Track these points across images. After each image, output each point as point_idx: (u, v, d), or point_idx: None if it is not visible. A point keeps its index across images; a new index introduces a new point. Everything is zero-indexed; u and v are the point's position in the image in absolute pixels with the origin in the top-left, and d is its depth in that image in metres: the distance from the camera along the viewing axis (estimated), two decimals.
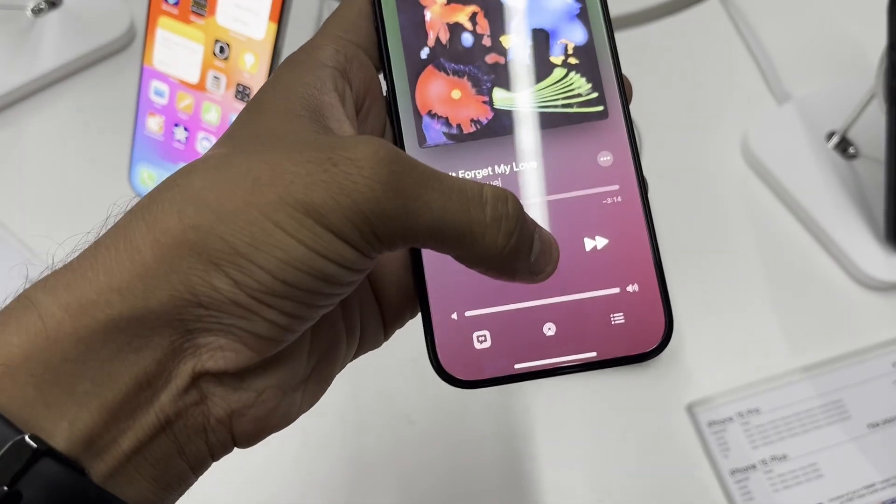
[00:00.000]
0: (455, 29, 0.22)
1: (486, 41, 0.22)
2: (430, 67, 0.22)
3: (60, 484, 0.18)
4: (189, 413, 0.21)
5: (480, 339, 0.24)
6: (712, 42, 0.66)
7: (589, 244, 0.24)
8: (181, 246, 0.20)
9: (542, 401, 0.51)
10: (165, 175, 0.51)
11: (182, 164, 0.48)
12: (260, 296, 0.20)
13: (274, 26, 0.45)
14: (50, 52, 0.61)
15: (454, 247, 0.21)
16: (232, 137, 0.23)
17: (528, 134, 0.23)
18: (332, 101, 0.23)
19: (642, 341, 0.24)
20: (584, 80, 0.23)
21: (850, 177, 0.58)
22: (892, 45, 0.49)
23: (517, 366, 0.24)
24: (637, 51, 0.65)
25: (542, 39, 0.22)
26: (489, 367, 0.24)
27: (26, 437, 0.18)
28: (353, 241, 0.20)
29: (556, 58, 0.22)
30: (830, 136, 0.59)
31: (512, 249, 0.21)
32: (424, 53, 0.22)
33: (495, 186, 0.21)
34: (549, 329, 0.24)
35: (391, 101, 0.23)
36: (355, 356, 0.26)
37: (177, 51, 0.47)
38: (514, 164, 0.24)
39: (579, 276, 0.24)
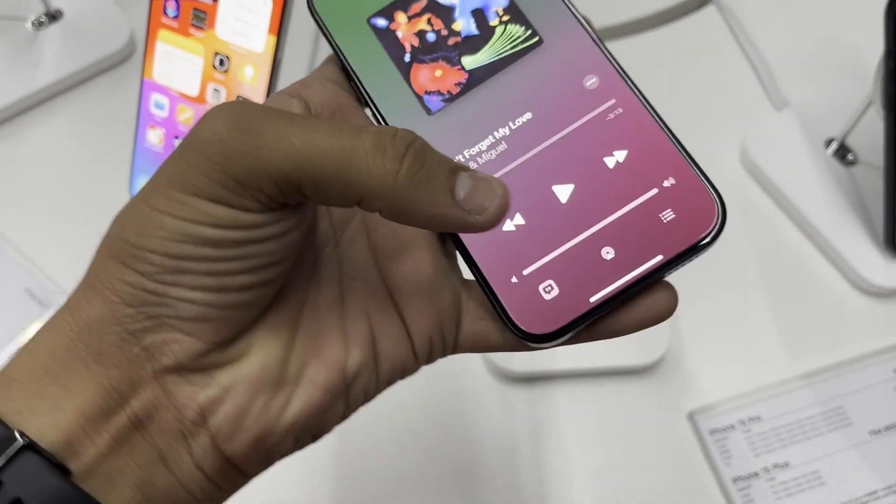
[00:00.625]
0: (420, 34, 0.28)
1: (444, 31, 0.28)
2: (415, 64, 0.28)
3: (43, 479, 0.20)
4: (160, 414, 0.22)
5: (547, 289, 0.25)
6: (710, 50, 0.66)
7: (610, 162, 0.26)
8: (102, 255, 0.22)
9: (543, 410, 0.51)
10: None
11: None
12: (160, 277, 0.21)
13: (273, 39, 0.45)
14: (50, 64, 0.61)
15: (338, 182, 0.20)
16: None
17: (501, 75, 0.27)
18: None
19: (700, 226, 0.24)
20: (519, 27, 0.28)
21: (848, 183, 0.58)
22: (890, 52, 0.49)
23: (593, 299, 0.24)
24: (635, 59, 0.65)
25: (480, 15, 0.28)
26: (567, 312, 0.24)
27: (15, 433, 0.20)
28: (216, 195, 0.20)
29: (493, 21, 0.28)
30: (829, 142, 0.59)
31: (407, 175, 0.20)
32: (407, 58, 0.28)
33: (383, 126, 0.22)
34: (608, 253, 0.25)
35: (371, 102, 0.27)
36: (388, 375, 0.25)
37: (177, 63, 0.47)
38: (506, 104, 0.27)
39: (615, 193, 0.25)
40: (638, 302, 0.24)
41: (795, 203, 0.57)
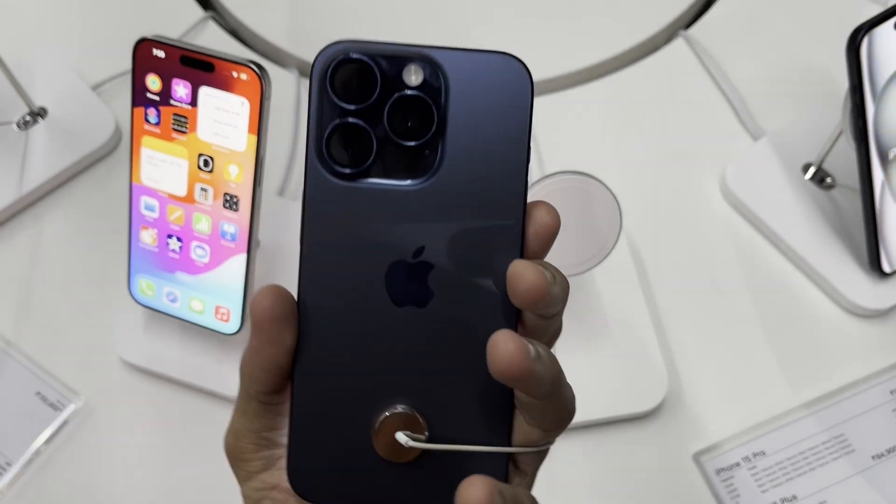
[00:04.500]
0: None
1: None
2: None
3: None
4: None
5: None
6: (683, 84, 0.67)
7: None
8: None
9: (548, 464, 0.52)
10: (165, 285, 0.52)
11: (179, 274, 0.50)
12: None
13: (254, 138, 0.46)
14: (41, 163, 0.62)
15: None
16: None
17: None
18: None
19: None
20: None
21: (829, 207, 0.59)
22: (854, 87, 0.50)
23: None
24: (611, 100, 0.67)
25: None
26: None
27: None
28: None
29: None
30: (807, 167, 0.60)
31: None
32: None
33: None
34: None
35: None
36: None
37: (162, 167, 0.49)
38: None
39: None
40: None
41: (779, 233, 0.59)
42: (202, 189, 0.48)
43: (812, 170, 0.60)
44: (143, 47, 0.46)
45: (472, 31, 0.70)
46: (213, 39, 0.71)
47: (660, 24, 0.70)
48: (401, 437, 0.26)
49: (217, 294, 0.51)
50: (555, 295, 0.25)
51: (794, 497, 0.50)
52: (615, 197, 0.47)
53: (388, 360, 0.27)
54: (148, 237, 0.51)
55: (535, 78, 0.26)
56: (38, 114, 0.64)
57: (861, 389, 0.54)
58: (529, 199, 0.26)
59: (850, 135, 0.52)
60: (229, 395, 0.54)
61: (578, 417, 0.53)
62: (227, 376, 0.54)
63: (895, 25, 0.50)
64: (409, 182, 0.26)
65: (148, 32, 0.70)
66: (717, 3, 0.71)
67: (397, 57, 0.26)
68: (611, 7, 0.71)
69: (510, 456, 0.28)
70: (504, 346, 0.24)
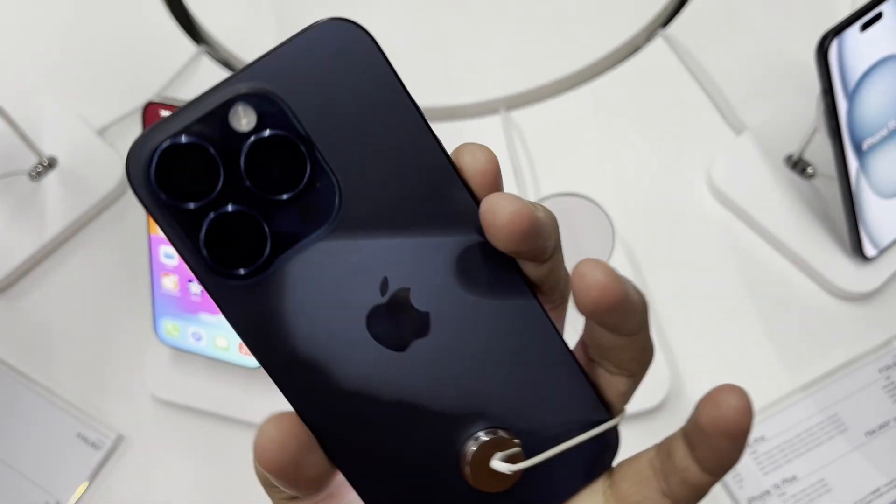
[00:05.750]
0: None
1: None
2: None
3: None
4: None
5: None
6: (665, 83, 0.69)
7: None
8: None
9: None
10: (189, 326, 0.55)
11: (202, 315, 0.53)
12: None
13: None
14: (56, 212, 0.65)
15: None
16: None
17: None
18: None
19: None
20: None
21: (812, 196, 0.62)
22: (825, 90, 0.53)
23: None
24: (597, 105, 0.69)
25: None
26: None
27: None
28: None
29: None
30: (789, 158, 0.63)
31: None
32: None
33: None
34: None
35: None
36: None
37: None
38: None
39: None
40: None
41: (765, 224, 0.61)
42: None
43: (794, 160, 0.63)
44: (151, 109, 0.49)
45: (445, 48, 0.73)
46: (208, 73, 0.73)
47: (638, 25, 0.72)
48: (498, 464, 0.23)
49: None
50: (542, 220, 0.21)
51: (794, 477, 0.54)
52: (607, 214, 0.50)
53: (436, 404, 0.23)
54: (170, 283, 0.54)
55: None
56: (49, 164, 0.66)
57: (852, 370, 0.57)
58: None
59: (824, 133, 0.55)
60: (258, 422, 0.57)
61: None
62: (253, 405, 0.57)
63: (861, 28, 0.52)
64: (321, 228, 0.22)
65: (144, 71, 0.73)
66: None
67: (213, 110, 0.21)
68: (586, 12, 0.73)
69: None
70: (592, 276, 0.20)
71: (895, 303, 0.60)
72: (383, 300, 0.22)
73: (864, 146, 0.56)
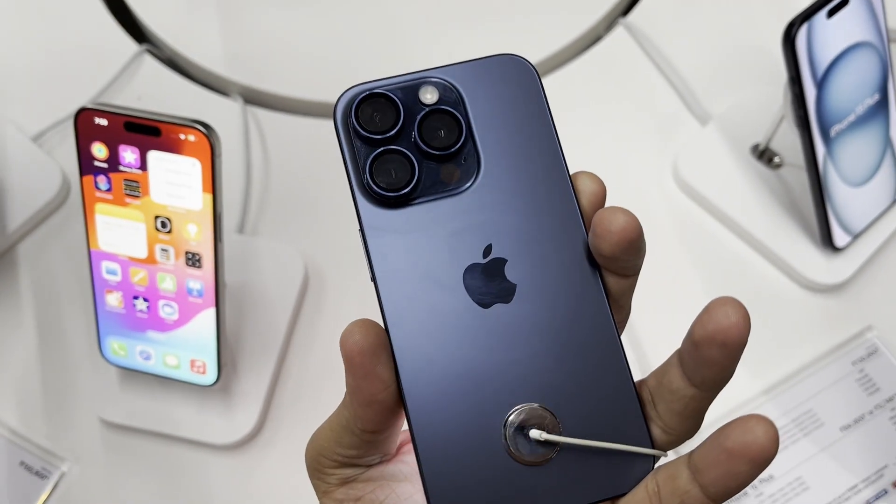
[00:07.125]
0: None
1: None
2: None
3: None
4: None
5: None
6: (628, 73, 0.68)
7: None
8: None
9: None
10: (137, 344, 0.52)
11: (150, 332, 0.50)
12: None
13: (209, 196, 0.46)
14: None
15: None
16: None
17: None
18: None
19: None
20: None
21: (779, 186, 0.61)
22: (793, 79, 0.51)
23: None
24: (560, 95, 0.67)
25: None
26: None
27: None
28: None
29: None
30: (755, 148, 0.62)
31: None
32: None
33: None
34: None
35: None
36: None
37: (119, 232, 0.48)
38: None
39: None
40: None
41: (732, 215, 0.60)
42: (163, 249, 0.48)
43: (760, 150, 0.61)
44: (84, 117, 0.46)
45: (402, 40, 0.70)
46: (151, 73, 0.69)
47: (598, 14, 0.70)
48: (536, 432, 0.26)
49: (190, 348, 0.51)
50: (644, 239, 0.25)
51: (771, 477, 0.53)
52: None
53: (497, 364, 0.26)
54: (114, 300, 0.51)
55: None
56: None
57: (825, 364, 0.56)
58: None
59: (791, 121, 0.53)
60: (214, 442, 0.54)
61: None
62: (208, 425, 0.54)
63: (827, 14, 0.51)
64: (457, 189, 0.27)
65: (83, 72, 0.69)
66: None
67: (409, 84, 0.28)
68: (545, 1, 0.71)
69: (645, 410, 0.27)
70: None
71: (865, 294, 0.59)
72: (483, 261, 0.27)
73: (832, 133, 0.55)
